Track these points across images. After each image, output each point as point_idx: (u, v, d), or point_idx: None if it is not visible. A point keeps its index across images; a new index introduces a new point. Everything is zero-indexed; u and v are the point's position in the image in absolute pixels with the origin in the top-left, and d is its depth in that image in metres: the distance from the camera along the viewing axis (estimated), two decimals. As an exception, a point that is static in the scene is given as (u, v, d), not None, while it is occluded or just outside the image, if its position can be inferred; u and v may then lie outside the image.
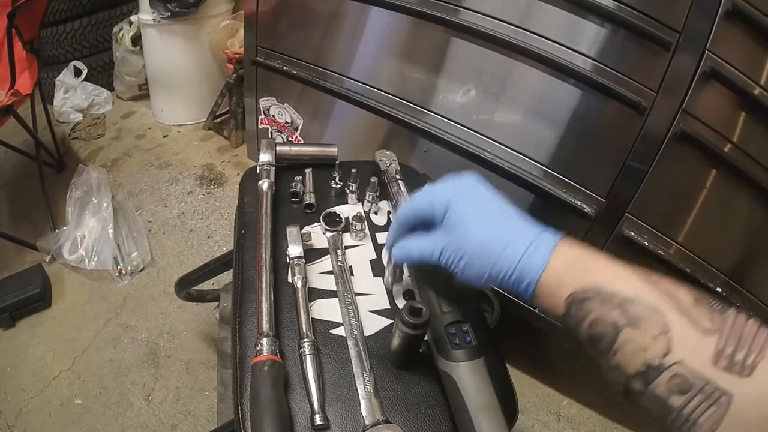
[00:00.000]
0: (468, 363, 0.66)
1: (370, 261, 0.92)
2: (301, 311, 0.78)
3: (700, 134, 1.22)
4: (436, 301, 0.71)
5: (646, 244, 1.37)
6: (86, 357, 1.67)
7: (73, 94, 2.75)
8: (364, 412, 0.68)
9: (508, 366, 0.85)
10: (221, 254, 1.45)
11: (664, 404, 0.47)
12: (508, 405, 0.76)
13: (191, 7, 2.36)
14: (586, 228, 1.44)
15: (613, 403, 1.67)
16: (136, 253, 1.98)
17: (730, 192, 1.29)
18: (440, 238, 0.64)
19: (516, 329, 1.56)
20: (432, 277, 0.74)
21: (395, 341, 0.71)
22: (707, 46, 1.14)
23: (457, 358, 0.66)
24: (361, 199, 1.04)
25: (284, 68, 1.91)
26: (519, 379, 1.74)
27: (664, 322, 0.48)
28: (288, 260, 0.86)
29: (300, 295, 0.81)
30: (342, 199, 1.05)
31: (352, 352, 0.76)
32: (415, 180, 1.12)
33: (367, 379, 0.72)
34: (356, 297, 0.84)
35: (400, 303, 0.85)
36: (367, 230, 0.97)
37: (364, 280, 0.89)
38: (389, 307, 0.85)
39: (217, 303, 1.64)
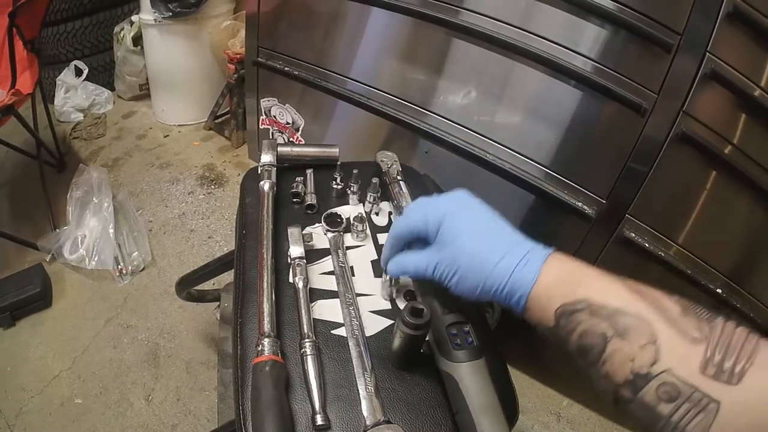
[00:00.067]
0: (469, 363, 0.66)
1: (371, 261, 0.92)
2: (303, 312, 0.78)
3: (700, 136, 1.22)
4: (438, 301, 0.71)
5: (647, 245, 1.37)
6: (86, 356, 1.67)
7: (74, 94, 2.75)
8: (365, 413, 0.68)
9: (508, 366, 0.86)
10: (222, 254, 1.45)
11: (653, 412, 0.48)
12: (508, 405, 0.76)
13: (192, 7, 2.36)
14: (586, 229, 1.44)
15: (614, 406, 1.66)
16: (136, 252, 1.98)
17: (730, 193, 1.29)
18: (434, 254, 0.65)
19: (516, 330, 1.56)
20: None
21: (396, 342, 0.71)
22: (708, 48, 1.15)
23: (459, 358, 0.66)
24: (362, 199, 1.04)
25: (285, 69, 1.91)
26: (519, 379, 1.75)
27: (651, 332, 0.49)
28: (289, 261, 0.87)
29: (301, 295, 0.81)
30: (343, 199, 1.05)
31: (353, 353, 0.76)
32: (416, 181, 1.12)
33: (368, 379, 0.72)
34: (357, 297, 0.84)
35: (402, 304, 0.85)
36: (368, 231, 0.97)
37: (365, 280, 0.89)
38: (390, 307, 0.85)
39: (217, 303, 1.64)
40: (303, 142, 2.07)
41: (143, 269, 1.97)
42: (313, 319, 0.80)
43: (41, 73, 2.06)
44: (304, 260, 0.86)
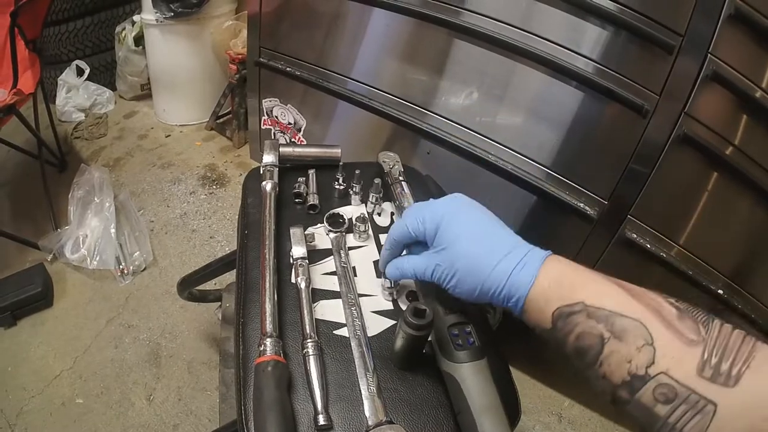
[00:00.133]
0: (471, 364, 0.66)
1: (374, 262, 0.92)
2: (305, 312, 0.78)
3: (701, 137, 1.22)
4: (439, 302, 0.72)
5: (648, 246, 1.37)
6: (88, 356, 1.67)
7: (76, 94, 2.76)
8: (367, 413, 0.68)
9: (510, 367, 0.86)
10: (224, 254, 1.45)
11: (650, 413, 0.48)
12: (510, 406, 0.76)
13: (194, 7, 2.36)
14: (588, 230, 1.44)
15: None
16: (138, 252, 1.98)
17: (731, 194, 1.29)
18: (432, 257, 0.66)
19: (518, 330, 1.56)
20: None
21: (399, 342, 0.71)
22: (710, 50, 1.15)
23: (461, 359, 0.66)
24: (364, 200, 1.04)
25: (287, 69, 1.91)
26: (520, 380, 1.75)
27: (648, 334, 0.50)
28: (291, 261, 0.87)
29: (303, 295, 0.81)
30: (345, 200, 1.05)
31: (356, 353, 0.76)
32: (418, 181, 1.12)
33: (371, 379, 0.72)
34: (359, 298, 0.84)
35: (404, 304, 0.85)
36: (370, 231, 0.97)
37: (367, 281, 0.89)
38: (392, 308, 0.85)
39: (219, 303, 1.64)
40: (305, 143, 2.07)
41: (145, 269, 1.97)
42: (316, 319, 0.80)
43: (43, 72, 2.06)
44: (307, 260, 0.86)
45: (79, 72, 2.74)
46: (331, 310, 0.83)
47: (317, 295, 0.85)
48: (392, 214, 1.04)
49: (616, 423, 1.67)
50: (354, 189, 1.03)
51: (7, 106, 1.77)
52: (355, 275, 0.89)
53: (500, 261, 0.60)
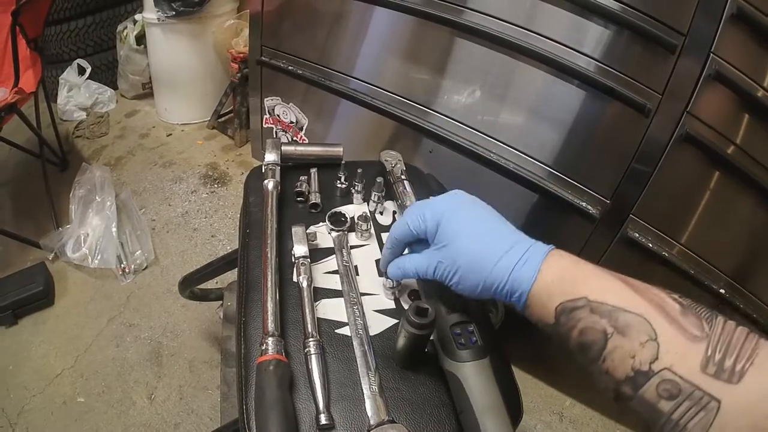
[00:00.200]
0: (473, 363, 0.66)
1: (375, 261, 0.92)
2: (307, 311, 0.78)
3: (704, 136, 1.22)
4: (442, 301, 0.71)
5: (650, 245, 1.37)
6: (89, 355, 1.67)
7: (77, 93, 2.76)
8: (369, 412, 0.68)
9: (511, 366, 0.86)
10: (225, 253, 1.45)
11: (654, 409, 0.48)
12: (512, 405, 0.76)
13: (196, 6, 2.36)
14: (590, 229, 1.44)
15: (615, 403, 1.66)
16: (139, 251, 1.98)
17: (733, 194, 1.29)
18: (434, 254, 0.66)
19: (519, 329, 1.56)
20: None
21: (401, 341, 0.71)
22: (712, 49, 1.15)
23: (463, 358, 0.66)
24: (366, 199, 1.04)
25: (289, 68, 1.91)
26: (522, 379, 1.74)
27: (652, 329, 0.49)
28: (293, 260, 0.86)
29: (305, 294, 0.81)
30: (347, 198, 1.05)
31: (358, 352, 0.76)
32: (420, 180, 1.12)
33: (373, 378, 0.72)
34: (361, 297, 0.84)
35: (406, 303, 0.85)
36: (372, 230, 0.97)
37: (369, 279, 0.88)
38: (394, 306, 0.85)
39: (220, 302, 1.64)
40: (307, 141, 2.07)
41: (146, 268, 1.97)
42: (317, 318, 0.80)
43: (44, 71, 2.07)
44: (308, 259, 0.86)
45: (81, 71, 2.74)
46: (332, 309, 0.83)
47: (319, 294, 0.85)
48: (394, 212, 1.03)
49: (618, 422, 1.67)
50: (356, 188, 1.03)
51: (9, 105, 1.77)
52: (357, 274, 0.89)
53: (502, 256, 0.59)
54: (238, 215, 1.31)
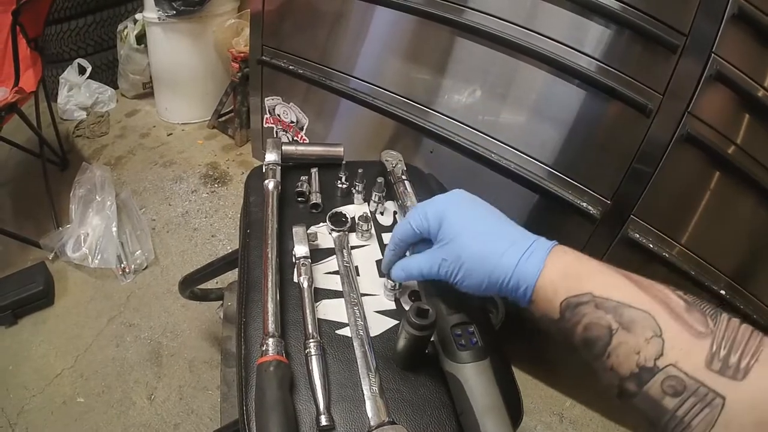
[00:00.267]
0: (474, 364, 0.66)
1: (376, 261, 0.92)
2: (307, 311, 0.78)
3: (705, 137, 1.22)
4: (442, 302, 0.71)
5: (651, 246, 1.37)
6: (89, 355, 1.67)
7: (77, 92, 2.76)
8: (369, 413, 0.68)
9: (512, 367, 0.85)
10: (225, 253, 1.45)
11: (658, 405, 0.48)
12: (512, 406, 0.76)
13: (196, 5, 2.36)
14: (591, 230, 1.44)
15: (615, 404, 1.66)
16: (139, 251, 1.98)
17: (734, 194, 1.29)
18: (437, 252, 0.66)
19: (519, 330, 1.56)
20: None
21: (401, 342, 0.71)
22: (713, 49, 1.15)
23: (463, 359, 0.66)
24: (367, 199, 1.03)
25: (290, 67, 1.91)
26: (522, 380, 1.74)
27: (656, 325, 0.49)
28: (294, 260, 0.86)
29: (306, 295, 0.81)
30: (348, 199, 1.05)
31: (358, 353, 0.75)
32: (421, 180, 1.12)
33: (373, 379, 0.71)
34: (362, 297, 0.84)
35: (406, 304, 0.85)
36: (373, 230, 0.97)
37: (370, 280, 0.88)
38: (395, 307, 0.85)
39: (220, 302, 1.64)
40: (307, 141, 2.07)
41: (146, 268, 1.97)
42: (318, 319, 0.79)
43: (44, 71, 2.06)
44: (309, 260, 0.86)
45: (81, 70, 2.74)
46: (333, 310, 0.83)
47: (319, 294, 0.84)
48: (395, 213, 1.03)
49: (618, 423, 1.67)
50: (357, 188, 1.03)
51: (9, 105, 1.77)
52: (358, 275, 0.89)
53: (506, 251, 0.59)
54: (239, 215, 1.31)
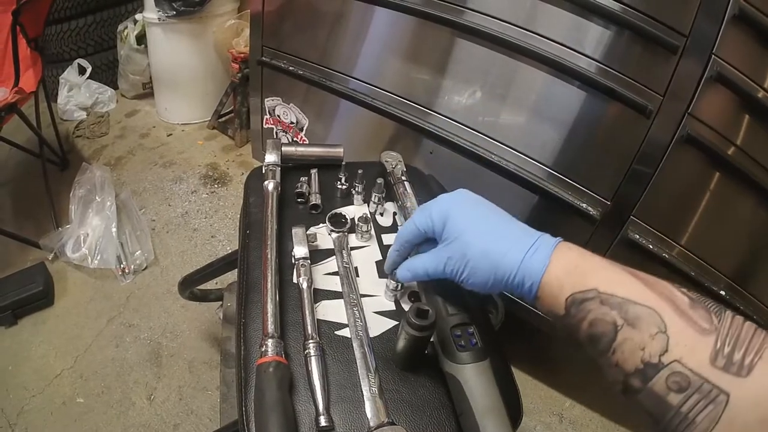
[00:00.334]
0: (473, 365, 0.66)
1: (376, 262, 0.92)
2: (307, 312, 0.78)
3: (705, 138, 1.22)
4: (442, 303, 0.71)
5: (651, 247, 1.37)
6: (88, 355, 1.67)
7: (77, 92, 2.76)
8: (368, 414, 0.68)
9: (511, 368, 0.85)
10: (225, 254, 1.45)
11: (662, 401, 0.48)
12: (512, 407, 0.76)
13: (196, 6, 2.36)
14: (590, 231, 1.44)
15: (615, 404, 1.67)
16: (139, 251, 1.98)
17: (733, 195, 1.29)
18: (443, 251, 0.66)
19: (519, 330, 1.56)
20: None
21: (401, 343, 0.71)
22: (714, 50, 1.14)
23: (463, 360, 0.66)
24: (366, 200, 1.03)
25: (290, 68, 1.91)
26: (522, 380, 1.74)
27: (661, 322, 0.49)
28: (293, 261, 0.86)
29: (305, 296, 0.81)
30: (348, 200, 1.05)
31: (357, 354, 0.75)
32: (420, 181, 1.12)
33: (372, 380, 0.71)
34: (361, 298, 0.84)
35: (406, 305, 0.85)
36: (372, 231, 0.97)
37: (369, 281, 0.88)
38: (395, 308, 0.85)
39: (220, 303, 1.64)
40: (307, 142, 2.07)
41: (146, 268, 1.97)
42: (317, 319, 0.79)
43: (44, 71, 2.07)
44: (309, 261, 0.86)
45: (81, 70, 2.74)
46: (332, 311, 0.83)
47: (319, 295, 0.84)
48: (395, 214, 1.03)
49: (618, 423, 1.67)
50: (356, 189, 1.03)
51: (9, 105, 1.77)
52: (357, 275, 0.89)
53: (512, 247, 0.60)
54: (238, 216, 1.31)
